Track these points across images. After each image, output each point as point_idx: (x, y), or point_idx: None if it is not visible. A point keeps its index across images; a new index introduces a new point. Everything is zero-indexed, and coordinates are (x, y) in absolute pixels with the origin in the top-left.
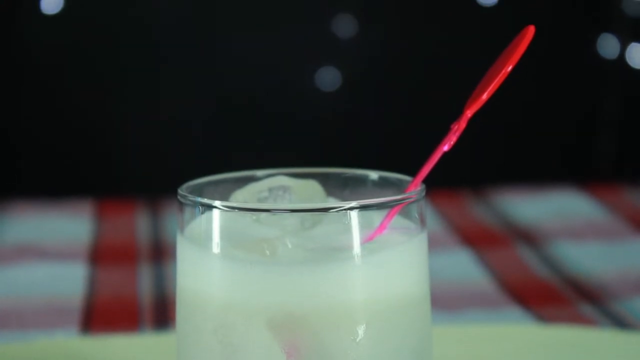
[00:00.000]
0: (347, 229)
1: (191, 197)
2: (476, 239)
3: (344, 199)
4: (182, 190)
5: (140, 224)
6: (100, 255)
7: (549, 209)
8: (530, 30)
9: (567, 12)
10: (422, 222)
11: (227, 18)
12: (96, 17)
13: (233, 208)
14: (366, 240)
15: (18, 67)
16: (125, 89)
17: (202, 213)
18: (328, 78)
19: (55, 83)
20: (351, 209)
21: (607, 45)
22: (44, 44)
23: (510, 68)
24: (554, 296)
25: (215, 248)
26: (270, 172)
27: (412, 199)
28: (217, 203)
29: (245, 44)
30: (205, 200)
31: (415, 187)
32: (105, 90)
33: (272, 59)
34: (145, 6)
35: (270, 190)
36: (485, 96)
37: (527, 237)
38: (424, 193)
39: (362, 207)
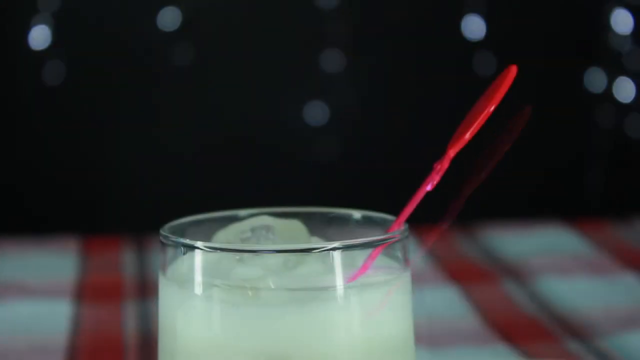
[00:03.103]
0: (330, 269)
1: (173, 238)
2: (462, 275)
3: (328, 238)
4: (164, 231)
5: (125, 261)
6: (85, 293)
7: (535, 245)
8: (513, 70)
9: (554, 47)
10: (406, 261)
11: (213, 53)
12: (89, 55)
13: (215, 249)
14: (349, 280)
15: (4, 105)
16: (111, 127)
17: (184, 254)
18: (316, 113)
19: (43, 122)
20: (334, 249)
21: (594, 80)
22: (34, 83)
23: (492, 108)
24: (541, 332)
25: (197, 289)
26: (253, 212)
27: (395, 239)
28: (199, 244)
29: (231, 79)
30: (187, 241)
31: (399, 227)
32: (92, 129)
33: (259, 93)
34: (136, 45)
35: (253, 230)
36: (468, 136)
37: (514, 273)
38: (407, 232)
39: (345, 247)
